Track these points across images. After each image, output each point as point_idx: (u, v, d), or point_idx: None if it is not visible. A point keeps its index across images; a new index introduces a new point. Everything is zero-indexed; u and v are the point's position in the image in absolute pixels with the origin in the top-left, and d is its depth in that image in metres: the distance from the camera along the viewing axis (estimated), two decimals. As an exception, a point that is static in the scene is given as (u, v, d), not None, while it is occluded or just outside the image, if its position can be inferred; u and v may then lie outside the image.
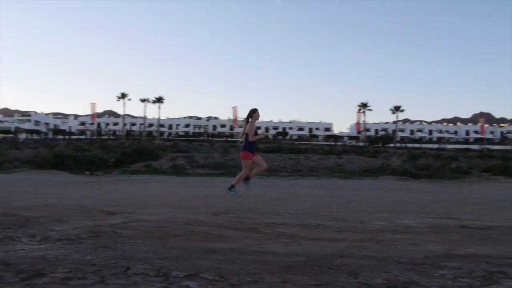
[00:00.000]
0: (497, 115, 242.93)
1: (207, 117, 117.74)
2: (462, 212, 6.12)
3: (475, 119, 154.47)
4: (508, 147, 59.60)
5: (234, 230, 4.28)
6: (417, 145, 66.54)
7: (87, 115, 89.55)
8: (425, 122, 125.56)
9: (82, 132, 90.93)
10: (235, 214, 5.40)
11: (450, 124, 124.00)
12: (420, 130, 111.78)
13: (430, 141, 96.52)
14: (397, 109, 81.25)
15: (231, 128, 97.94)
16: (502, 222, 5.16)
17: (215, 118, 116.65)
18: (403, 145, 69.72)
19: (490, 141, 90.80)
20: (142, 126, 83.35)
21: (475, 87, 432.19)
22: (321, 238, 3.95)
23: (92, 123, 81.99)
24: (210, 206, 6.23)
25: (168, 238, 3.80)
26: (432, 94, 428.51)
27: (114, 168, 14.83)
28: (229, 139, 73.95)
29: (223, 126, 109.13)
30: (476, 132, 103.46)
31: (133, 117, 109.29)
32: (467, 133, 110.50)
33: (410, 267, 2.95)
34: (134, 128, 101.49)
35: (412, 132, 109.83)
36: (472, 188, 10.49)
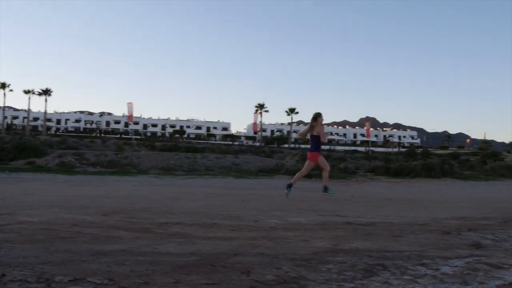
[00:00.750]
0: (381, 119, 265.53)
1: (100, 113, 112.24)
2: (348, 210, 6.54)
3: (361, 123, 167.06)
4: (389, 149, 65.26)
5: (126, 230, 4.11)
6: (309, 147, 69.99)
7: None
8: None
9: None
10: (128, 214, 5.20)
11: (340, 127, 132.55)
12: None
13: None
14: (292, 111, 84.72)
15: (126, 124, 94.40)
16: (383, 219, 5.61)
17: (109, 113, 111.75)
18: (297, 145, 72.93)
19: (374, 144, 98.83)
20: (26, 120, 76.70)
21: (363, 93, 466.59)
22: (216, 237, 3.96)
23: (-36, 115, 73.39)
24: (101, 206, 5.92)
25: (52, 241, 3.53)
26: (324, 98, 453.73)
27: (-9, 165, 13.42)
28: (123, 136, 71.20)
29: (117, 122, 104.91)
30: (362, 135, 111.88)
31: (15, 109, 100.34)
32: (355, 135, 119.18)
33: (299, 263, 3.07)
34: (16, 121, 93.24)
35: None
36: (357, 187, 11.30)
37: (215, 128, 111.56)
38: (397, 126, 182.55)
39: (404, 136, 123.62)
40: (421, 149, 42.34)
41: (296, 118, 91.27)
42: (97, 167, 13.46)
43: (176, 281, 2.52)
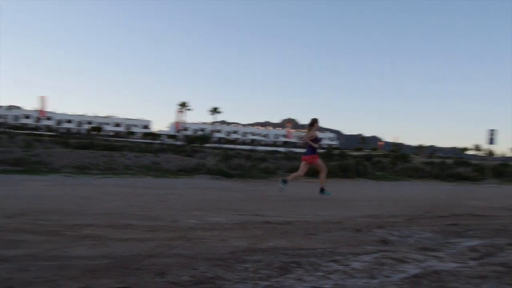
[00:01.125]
0: (302, 121, 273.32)
1: (7, 106, 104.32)
2: (268, 209, 6.63)
3: (283, 124, 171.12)
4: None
5: (32, 234, 3.84)
6: (232, 146, 70.27)
7: None
8: (240, 124, 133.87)
9: None
10: (35, 216, 4.86)
11: (262, 128, 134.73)
12: (235, 132, 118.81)
13: (244, 142, 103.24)
14: (215, 110, 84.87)
15: (38, 119, 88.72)
16: (299, 217, 5.77)
17: (18, 107, 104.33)
18: (219, 145, 72.91)
19: (295, 144, 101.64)
20: None
21: (285, 94, 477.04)
22: (131, 238, 3.83)
23: None
24: (4, 208, 5.46)
25: None
26: (247, 98, 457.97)
27: None
28: (34, 132, 66.70)
29: (27, 117, 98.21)
30: (283, 135, 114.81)
31: None
32: (276, 136, 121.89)
33: (216, 263, 3.06)
34: None
35: (228, 133, 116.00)
36: (277, 187, 11.48)
37: (135, 125, 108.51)
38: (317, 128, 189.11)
39: (323, 138, 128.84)
40: (338, 151, 44.26)
41: (219, 117, 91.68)
42: (3, 165, 12.47)
43: (85, 286, 2.40)
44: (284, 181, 8.87)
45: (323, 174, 8.85)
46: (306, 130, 8.99)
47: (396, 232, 4.77)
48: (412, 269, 3.16)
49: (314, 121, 8.85)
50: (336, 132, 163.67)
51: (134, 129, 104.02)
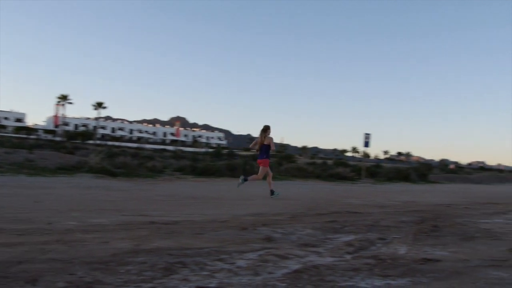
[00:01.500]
0: (191, 120, 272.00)
1: None
2: (153, 209, 6.46)
3: (172, 122, 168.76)
4: (197, 150, 67.17)
5: None
6: (117, 143, 67.35)
7: None
8: (127, 121, 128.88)
9: None
10: None
11: (150, 125, 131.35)
12: (121, 129, 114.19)
13: (130, 140, 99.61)
14: (99, 105, 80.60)
15: None
16: (186, 217, 5.71)
17: None
18: (104, 142, 69.46)
19: (184, 143, 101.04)
20: None
21: (174, 92, 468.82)
22: (-3, 243, 3.46)
23: None
24: None
25: None
26: (135, 94, 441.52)
27: None
28: None
29: None
30: (172, 134, 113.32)
31: None
32: (165, 134, 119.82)
33: (96, 266, 2.90)
34: None
35: (113, 130, 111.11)
36: (164, 186, 11.26)
37: (6, 118, 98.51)
38: (206, 127, 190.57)
39: (212, 137, 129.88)
40: (227, 150, 44.92)
41: (104, 113, 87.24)
42: None
43: None
44: (272, 192, 9.55)
45: (257, 176, 9.62)
46: (259, 136, 9.60)
47: (280, 230, 4.97)
48: (294, 265, 3.31)
49: (267, 127, 9.55)
50: (225, 132, 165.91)
51: (5, 122, 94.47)
